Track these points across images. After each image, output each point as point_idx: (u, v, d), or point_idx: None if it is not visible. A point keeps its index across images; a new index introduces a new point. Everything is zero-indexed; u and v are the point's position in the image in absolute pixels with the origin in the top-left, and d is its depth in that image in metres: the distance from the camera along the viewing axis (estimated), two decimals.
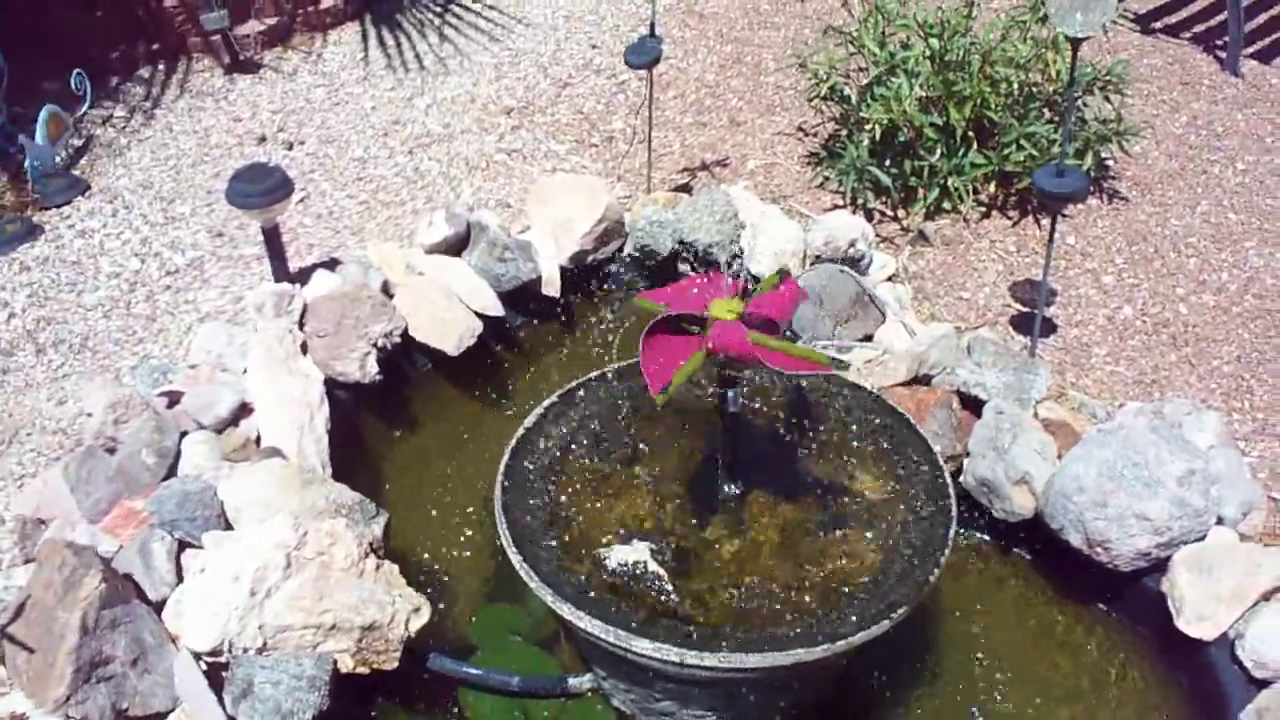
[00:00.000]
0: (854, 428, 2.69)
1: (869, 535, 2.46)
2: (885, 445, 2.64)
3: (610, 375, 2.78)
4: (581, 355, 3.54)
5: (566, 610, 2.26)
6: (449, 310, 3.39)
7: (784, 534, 2.48)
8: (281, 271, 3.61)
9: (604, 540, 2.42)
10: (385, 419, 3.30)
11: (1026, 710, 2.67)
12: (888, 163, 3.90)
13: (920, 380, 3.17)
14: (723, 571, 2.39)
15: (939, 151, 3.84)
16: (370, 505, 2.80)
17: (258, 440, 3.03)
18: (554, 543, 2.40)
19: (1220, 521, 2.78)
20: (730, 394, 2.36)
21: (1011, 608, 2.92)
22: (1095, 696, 2.72)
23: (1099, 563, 2.74)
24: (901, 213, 3.98)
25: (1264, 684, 2.52)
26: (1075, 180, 3.06)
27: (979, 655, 2.78)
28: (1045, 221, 3.95)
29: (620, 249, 3.72)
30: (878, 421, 2.70)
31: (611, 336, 3.56)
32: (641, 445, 2.65)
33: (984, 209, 3.97)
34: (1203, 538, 2.73)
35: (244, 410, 3.10)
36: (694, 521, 2.50)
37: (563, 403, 2.70)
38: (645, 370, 2.14)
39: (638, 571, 2.34)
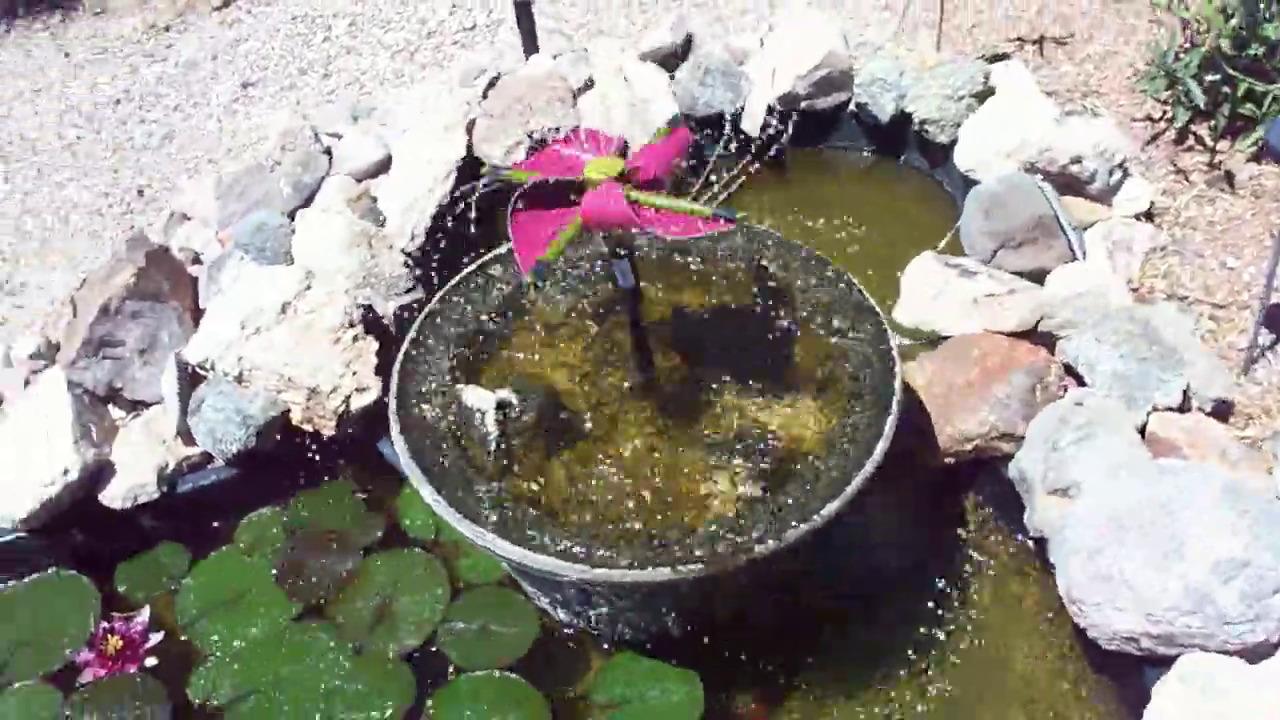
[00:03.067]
0: (819, 344, 2.27)
1: (743, 475, 2.11)
2: (849, 377, 2.20)
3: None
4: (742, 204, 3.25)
5: (395, 434, 2.20)
6: (621, 119, 3.24)
7: (657, 443, 2.19)
8: (530, 47, 3.64)
9: (483, 382, 2.29)
10: None
11: None
12: (1220, 78, 3.05)
13: (1037, 336, 2.57)
14: (563, 456, 2.18)
15: None
16: (408, 283, 2.86)
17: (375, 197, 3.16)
18: (446, 377, 2.32)
19: None
20: (619, 267, 2.09)
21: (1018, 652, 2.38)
22: None
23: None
24: (1224, 144, 3.13)
25: None
26: None
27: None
28: None
29: (846, 104, 3.31)
30: (853, 342, 2.25)
31: (776, 198, 3.26)
32: (599, 306, 2.43)
33: None
34: (1240, 653, 2.03)
35: (387, 165, 3.23)
36: (585, 394, 2.28)
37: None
38: (515, 249, 1.93)
39: (473, 420, 2.20)
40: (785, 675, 2.33)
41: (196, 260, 3.07)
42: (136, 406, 2.78)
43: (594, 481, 2.13)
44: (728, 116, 3.24)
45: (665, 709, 2.28)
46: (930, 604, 2.38)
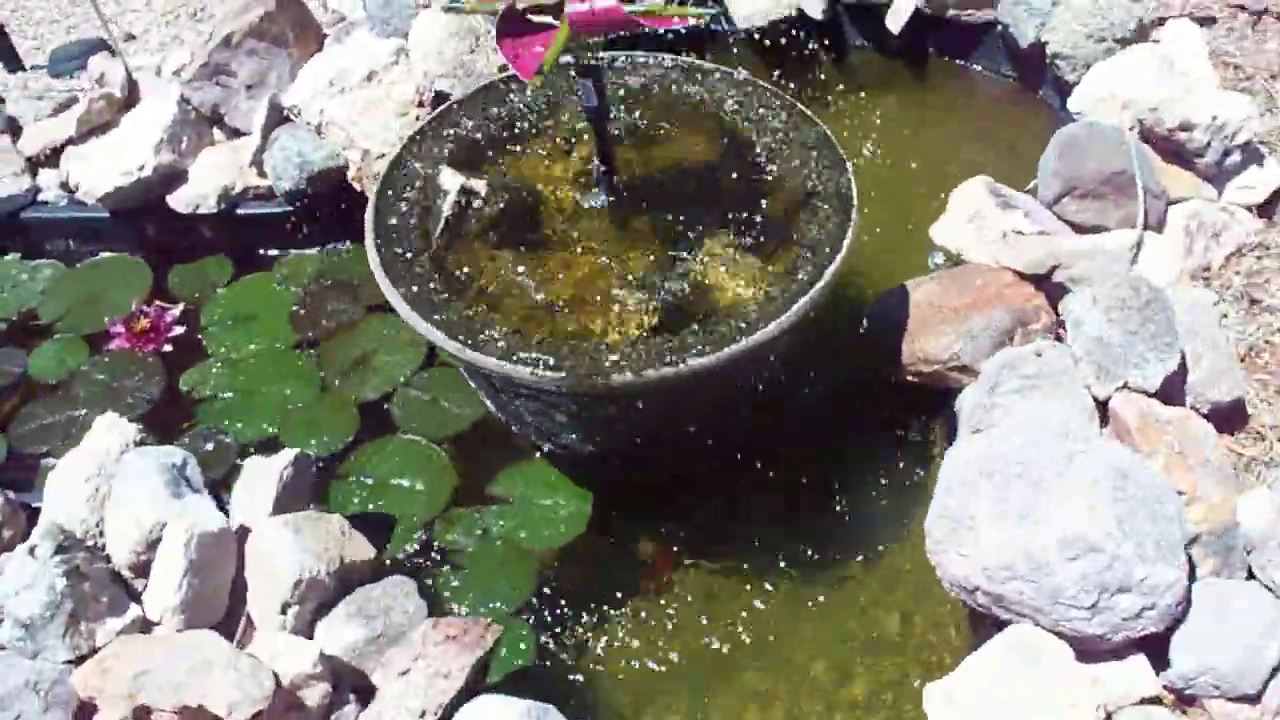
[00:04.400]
0: (788, 212, 2.26)
1: (649, 311, 2.15)
2: (798, 248, 2.20)
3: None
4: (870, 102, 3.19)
5: (372, 192, 2.37)
6: None
7: (589, 261, 2.26)
8: None
9: (478, 170, 2.40)
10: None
11: None
12: None
13: (1049, 284, 2.44)
14: (502, 252, 2.28)
15: None
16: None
17: None
18: (442, 159, 2.44)
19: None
20: (584, 86, 2.15)
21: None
22: None
23: None
24: None
25: None
26: None
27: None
28: None
29: (995, 22, 3.15)
30: (819, 218, 2.23)
31: (899, 102, 3.18)
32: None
33: None
34: (1073, 642, 1.93)
35: None
36: (553, 205, 2.36)
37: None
38: (512, 66, 2.03)
39: (435, 197, 2.34)
40: (682, 529, 2.38)
41: (342, 20, 3.30)
42: (235, 134, 3.07)
43: (516, 279, 2.22)
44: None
45: (548, 516, 2.40)
46: (834, 497, 2.39)
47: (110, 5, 3.78)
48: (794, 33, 3.22)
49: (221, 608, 2.11)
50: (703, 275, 2.22)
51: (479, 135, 2.49)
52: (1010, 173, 2.80)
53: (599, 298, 2.19)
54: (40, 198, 3.01)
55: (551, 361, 2.02)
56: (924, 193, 2.87)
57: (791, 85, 3.27)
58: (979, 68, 3.21)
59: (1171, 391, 2.26)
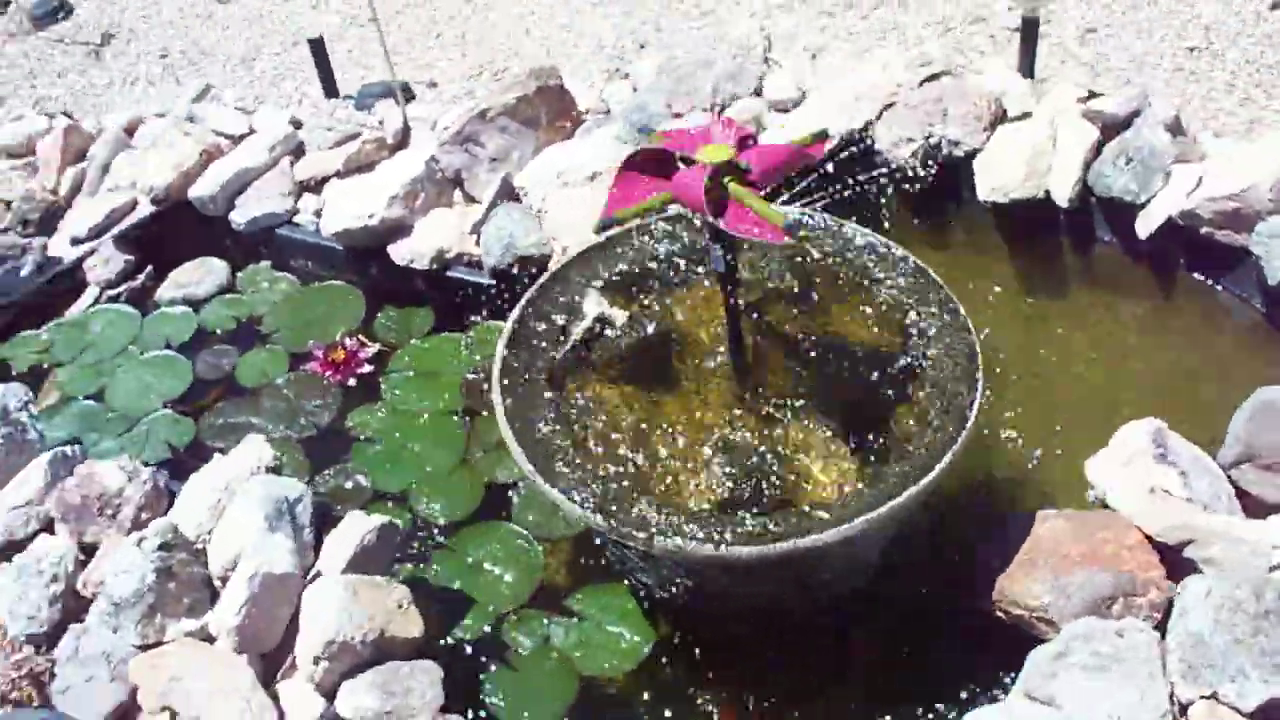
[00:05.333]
0: (908, 413, 2.22)
1: (724, 489, 2.16)
2: (910, 447, 2.14)
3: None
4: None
5: (526, 297, 2.50)
6: (1017, 160, 3.11)
7: (692, 420, 2.28)
8: (1025, 67, 3.58)
9: (620, 304, 2.47)
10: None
11: None
12: None
13: (1181, 558, 2.25)
14: (617, 387, 2.34)
15: None
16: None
17: None
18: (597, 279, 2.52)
19: None
20: (712, 249, 2.18)
21: None
22: None
23: None
24: None
25: None
26: None
27: None
28: None
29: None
30: (934, 420, 2.16)
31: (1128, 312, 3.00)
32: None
33: None
34: None
35: (796, 104, 3.40)
36: (685, 352, 2.39)
37: None
38: (610, 189, 2.12)
39: (576, 320, 2.42)
40: (730, 690, 2.36)
41: (606, 113, 3.47)
42: (470, 201, 3.29)
43: (618, 417, 2.27)
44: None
45: (609, 644, 2.42)
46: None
47: (431, 51, 4.13)
48: (1037, 215, 3.09)
49: (274, 640, 2.29)
50: (795, 459, 2.19)
51: (654, 261, 2.53)
52: (1216, 416, 2.57)
53: (686, 458, 2.20)
54: (296, 219, 3.34)
55: (601, 509, 2.06)
56: (1117, 415, 2.68)
57: (1021, 268, 3.16)
58: (1226, 291, 2.95)
59: (1275, 715, 2.02)
